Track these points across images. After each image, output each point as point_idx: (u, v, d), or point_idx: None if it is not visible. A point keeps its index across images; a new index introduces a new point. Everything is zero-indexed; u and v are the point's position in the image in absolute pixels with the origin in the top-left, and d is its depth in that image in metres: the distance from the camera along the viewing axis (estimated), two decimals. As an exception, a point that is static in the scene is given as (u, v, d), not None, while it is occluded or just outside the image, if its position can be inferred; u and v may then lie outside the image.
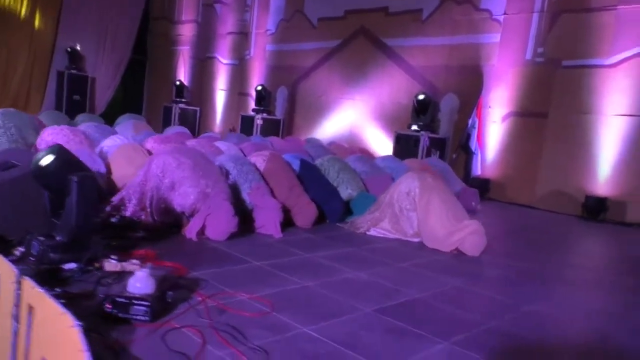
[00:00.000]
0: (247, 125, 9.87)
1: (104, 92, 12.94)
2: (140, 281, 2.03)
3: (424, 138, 7.31)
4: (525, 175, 6.92)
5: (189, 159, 3.50)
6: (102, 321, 1.95)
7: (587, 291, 3.35)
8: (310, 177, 4.54)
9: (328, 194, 4.45)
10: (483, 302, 2.84)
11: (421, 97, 7.44)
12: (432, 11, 7.88)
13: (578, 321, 2.73)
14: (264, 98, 9.86)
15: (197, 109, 11.86)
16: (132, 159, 4.33)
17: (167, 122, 11.66)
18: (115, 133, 5.78)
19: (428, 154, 7.32)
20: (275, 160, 4.33)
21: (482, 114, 7.24)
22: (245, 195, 3.87)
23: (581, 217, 6.31)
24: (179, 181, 3.41)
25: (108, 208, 3.58)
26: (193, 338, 1.94)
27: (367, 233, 4.16)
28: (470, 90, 7.36)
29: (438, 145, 7.47)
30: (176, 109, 11.56)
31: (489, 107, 7.25)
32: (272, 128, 9.75)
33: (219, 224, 3.34)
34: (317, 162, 5.00)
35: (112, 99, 13.41)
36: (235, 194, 3.87)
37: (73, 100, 11.84)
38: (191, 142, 5.43)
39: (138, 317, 1.99)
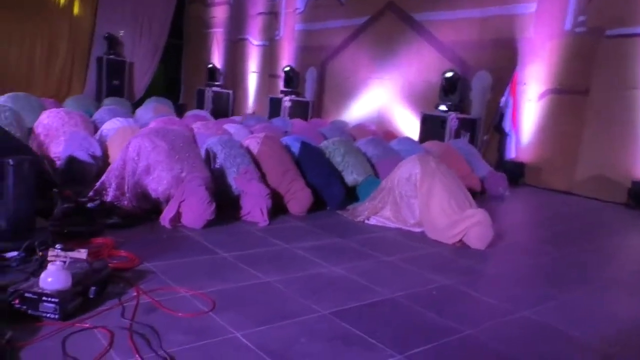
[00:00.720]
0: (275, 107, 9.65)
1: (142, 76, 13.10)
2: (52, 275, 1.85)
3: (452, 119, 6.83)
4: (564, 159, 6.31)
5: (165, 141, 3.31)
6: (10, 317, 1.79)
7: (616, 297, 2.90)
8: (310, 160, 4.25)
9: (328, 178, 4.15)
10: (468, 305, 2.48)
11: (449, 74, 6.93)
12: (464, -18, 7.30)
13: (589, 336, 2.32)
14: (292, 79, 9.60)
15: (230, 91, 11.77)
16: (129, 142, 4.22)
17: (200, 106, 11.67)
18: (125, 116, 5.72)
19: (457, 136, 6.84)
20: (269, 143, 4.07)
21: (517, 92, 6.66)
22: (232, 180, 3.65)
23: (626, 205, 5.68)
24: (153, 165, 3.23)
25: (91, 193, 3.48)
26: (101, 341, 1.74)
27: (366, 222, 3.85)
28: (504, 66, 6.78)
29: (468, 126, 6.97)
30: (209, 92, 11.51)
31: (524, 84, 6.65)
32: (300, 110, 9.48)
33: (193, 211, 3.14)
34: (322, 144, 4.70)
35: (151, 84, 13.59)
36: (221, 178, 3.67)
37: (112, 85, 12.04)
38: (197, 125, 5.26)
39: (48, 315, 1.81)
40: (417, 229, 3.70)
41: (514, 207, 5.49)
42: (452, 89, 6.99)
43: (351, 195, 4.37)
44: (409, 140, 5.77)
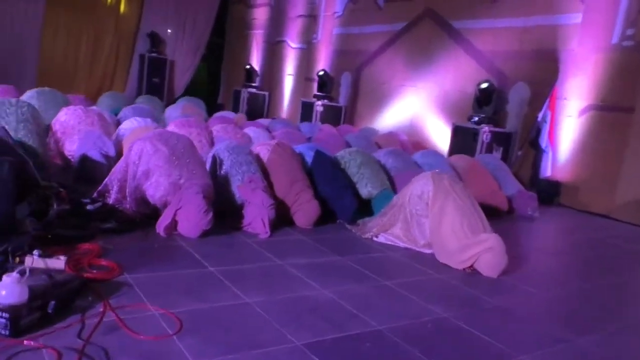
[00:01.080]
0: (307, 111, 9.55)
1: (182, 74, 13.30)
2: (6, 288, 1.77)
3: (485, 132, 6.51)
4: (603, 180, 5.90)
5: (167, 146, 3.24)
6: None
7: (627, 341, 2.62)
8: (322, 170, 4.11)
9: (340, 189, 3.99)
10: (461, 345, 2.27)
11: (484, 85, 6.62)
12: (506, -12, 6.97)
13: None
14: (325, 84, 9.47)
15: (266, 93, 11.77)
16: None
17: (236, 106, 11.73)
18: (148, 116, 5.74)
19: (489, 150, 6.52)
20: (279, 151, 3.95)
21: (556, 107, 6.28)
22: (235, 189, 3.54)
23: (671, 233, 5.26)
24: (152, 169, 3.17)
25: (95, 194, 3.45)
26: (46, 363, 1.65)
27: (375, 239, 3.66)
28: (544, 79, 6.41)
29: (502, 141, 6.63)
30: (245, 93, 11.53)
31: (565, 98, 6.27)
32: (333, 115, 9.36)
33: (189, 219, 3.05)
34: (338, 154, 4.54)
35: (193, 82, 13.79)
36: (226, 186, 3.57)
37: (152, 83, 12.28)
38: (216, 128, 5.21)
39: (-1, 331, 1.74)
40: (427, 251, 3.49)
41: (543, 229, 5.16)
42: (487, 100, 6.67)
43: (366, 208, 4.20)
44: (433, 153, 5.51)
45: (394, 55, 8.77)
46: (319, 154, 4.23)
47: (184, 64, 13.22)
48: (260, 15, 12.55)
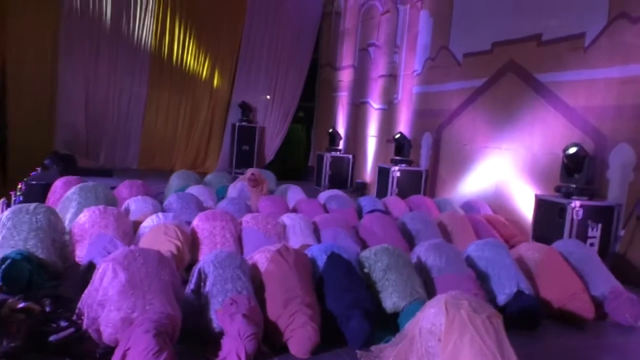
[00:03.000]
0: (383, 177, 8.89)
1: (272, 141, 13.50)
2: None
3: (575, 206, 5.35)
4: None
5: (127, 271, 2.88)
6: None
7: None
8: (333, 280, 3.48)
9: (349, 307, 3.31)
10: None
11: (572, 150, 5.49)
12: (597, 34, 5.86)
13: None
14: (403, 147, 8.80)
15: (350, 156, 11.40)
16: (158, 245, 3.94)
17: (319, 171, 11.47)
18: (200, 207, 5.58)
19: (581, 229, 5.33)
20: (279, 261, 3.41)
21: (670, 174, 4.99)
22: (213, 313, 3.06)
23: None
24: (106, 301, 2.82)
25: (75, 317, 3.20)
26: None
27: (388, 376, 2.91)
28: (652, 139, 5.18)
29: (600, 217, 5.40)
30: (327, 158, 11.25)
31: (681, 163, 4.96)
32: (411, 181, 8.61)
33: (137, 363, 2.61)
34: (362, 255, 3.88)
35: (290, 144, 13.96)
36: (205, 309, 3.12)
37: (242, 150, 12.59)
38: (245, 219, 4.84)
39: None
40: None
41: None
42: (577, 167, 5.53)
43: (391, 324, 3.47)
44: (496, 244, 4.46)
45: (475, 113, 7.90)
46: (332, 258, 3.62)
47: (273, 130, 13.43)
48: (345, 77, 12.40)
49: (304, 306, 3.20)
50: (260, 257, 3.50)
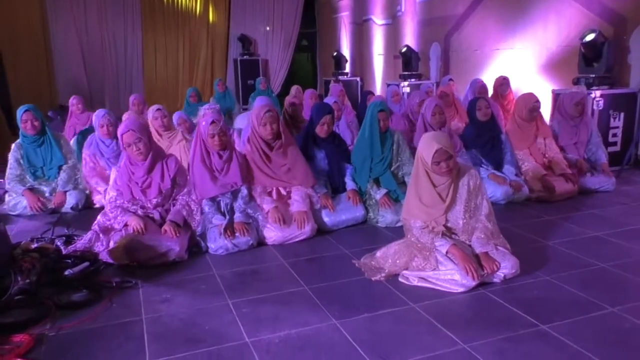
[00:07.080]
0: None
1: (277, 72, 13.12)
2: None
3: (595, 96, 5.07)
4: None
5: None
6: None
7: None
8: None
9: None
10: None
11: (589, 37, 5.13)
12: None
13: None
14: (410, 61, 8.42)
15: (357, 79, 11.02)
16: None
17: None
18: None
19: (603, 120, 5.07)
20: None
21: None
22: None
23: None
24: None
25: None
26: None
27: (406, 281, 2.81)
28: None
29: (622, 105, 5.13)
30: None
31: None
32: (423, 95, 8.29)
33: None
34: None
35: (297, 74, 13.56)
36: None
37: (247, 85, 12.28)
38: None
39: None
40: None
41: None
42: (596, 56, 5.20)
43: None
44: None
45: (484, 14, 7.45)
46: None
47: (276, 62, 13.02)
48: (344, -5, 11.80)
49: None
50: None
